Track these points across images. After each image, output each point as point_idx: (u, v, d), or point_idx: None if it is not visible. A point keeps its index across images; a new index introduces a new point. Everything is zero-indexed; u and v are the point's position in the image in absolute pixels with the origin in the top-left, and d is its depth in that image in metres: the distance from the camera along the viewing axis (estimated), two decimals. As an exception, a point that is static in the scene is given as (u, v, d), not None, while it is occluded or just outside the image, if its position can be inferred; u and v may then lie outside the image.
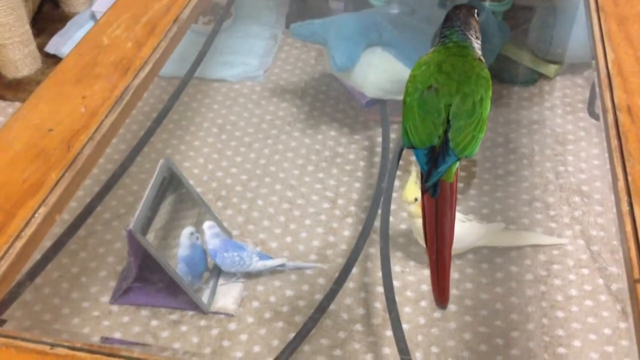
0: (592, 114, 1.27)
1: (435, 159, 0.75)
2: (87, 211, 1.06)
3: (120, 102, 0.79)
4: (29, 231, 0.65)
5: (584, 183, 1.39)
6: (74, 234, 1.05)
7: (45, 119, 0.77)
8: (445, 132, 0.76)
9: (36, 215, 0.66)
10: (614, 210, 1.32)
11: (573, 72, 1.67)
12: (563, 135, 1.50)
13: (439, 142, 0.76)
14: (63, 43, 1.72)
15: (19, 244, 0.64)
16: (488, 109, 0.79)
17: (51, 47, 1.71)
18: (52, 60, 1.70)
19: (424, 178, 0.76)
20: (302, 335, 1.05)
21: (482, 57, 0.82)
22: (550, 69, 1.62)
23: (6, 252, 0.63)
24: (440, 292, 0.76)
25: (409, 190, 1.15)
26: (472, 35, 0.81)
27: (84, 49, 0.88)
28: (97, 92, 0.80)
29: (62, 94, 0.80)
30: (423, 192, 0.77)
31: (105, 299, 1.19)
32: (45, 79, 1.67)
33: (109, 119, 0.77)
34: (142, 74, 0.84)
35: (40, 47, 1.71)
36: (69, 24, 1.78)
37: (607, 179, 1.39)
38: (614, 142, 0.73)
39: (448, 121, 0.76)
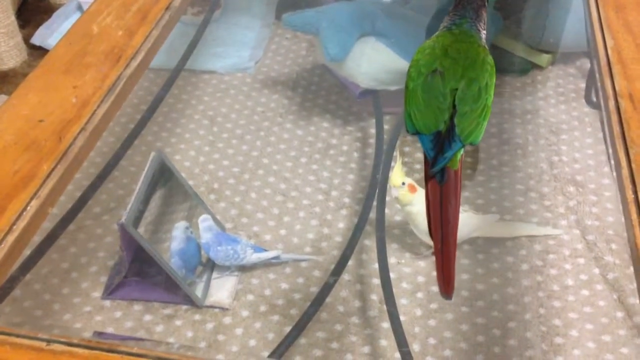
0: (590, 102, 1.26)
1: (441, 145, 0.74)
2: (79, 205, 1.04)
3: (113, 91, 0.77)
4: (20, 225, 0.63)
5: (578, 173, 1.38)
6: (65, 228, 1.03)
7: (35, 109, 0.74)
8: (451, 117, 0.75)
9: (28, 208, 0.64)
10: (609, 199, 1.31)
11: (565, 62, 1.66)
12: (556, 125, 1.50)
13: (445, 127, 0.75)
14: (49, 35, 1.69)
15: (10, 238, 0.62)
16: (492, 96, 0.78)
17: (37, 39, 1.68)
18: (38, 52, 1.67)
19: (430, 164, 0.75)
20: (299, 328, 1.03)
21: (486, 46, 0.82)
22: (543, 59, 1.62)
23: (-3, 246, 0.61)
24: (446, 282, 0.75)
25: (396, 175, 1.14)
26: (481, 27, 0.81)
27: (74, 37, 0.85)
28: (88, 82, 0.78)
29: (52, 84, 0.78)
30: (428, 179, 0.75)
31: (97, 294, 1.17)
32: (31, 71, 1.65)
33: (101, 109, 0.75)
34: (134, 63, 0.82)
35: (26, 39, 1.68)
36: (54, 15, 1.75)
37: (601, 168, 1.39)
38: (616, 129, 0.72)
39: (453, 106, 0.75)
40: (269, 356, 1.02)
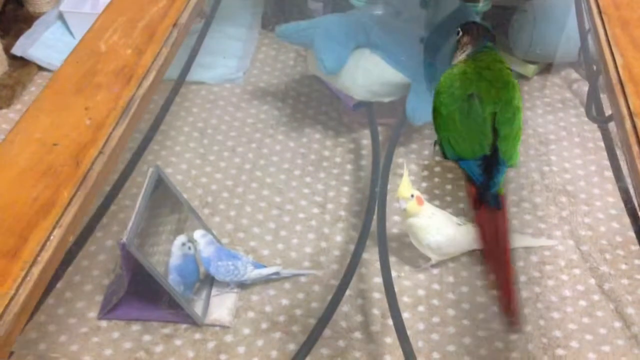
0: (591, 117, 1.27)
1: (490, 169, 0.74)
2: (88, 229, 1.01)
3: (127, 113, 0.75)
4: (45, 255, 0.61)
5: (568, 183, 1.40)
6: (76, 255, 1.00)
7: (48, 132, 0.72)
8: (493, 141, 0.75)
9: (51, 237, 0.62)
10: (600, 209, 1.33)
11: (550, 72, 1.69)
12: (545, 136, 1.51)
13: (490, 150, 0.75)
14: (30, 45, 1.65)
15: (36, 270, 0.60)
16: (522, 117, 0.79)
17: (18, 49, 1.63)
18: (19, 62, 1.62)
19: (481, 190, 0.74)
20: (308, 347, 1.02)
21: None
22: (529, 69, 1.64)
23: (24, 279, 0.59)
24: (512, 312, 0.74)
25: (404, 187, 1.14)
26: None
27: (81, 56, 0.83)
28: (101, 103, 0.76)
29: (63, 105, 0.76)
30: (478, 206, 0.75)
31: (93, 314, 1.14)
32: (12, 82, 1.60)
33: (117, 132, 0.73)
34: (146, 83, 0.80)
35: (6, 49, 1.63)
36: (35, 24, 1.70)
37: (590, 178, 1.41)
38: (636, 150, 0.72)
39: (493, 129, 0.75)
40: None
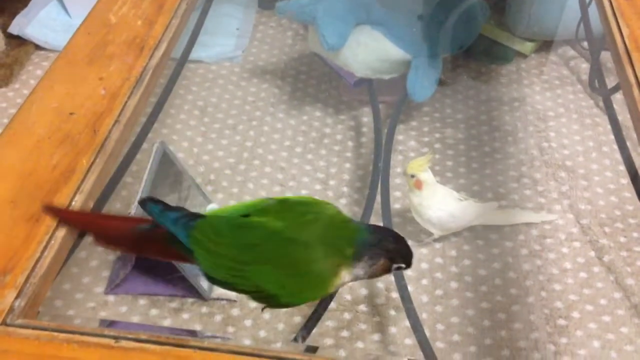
0: (594, 89, 1.28)
1: None
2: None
3: (141, 83, 0.75)
4: (68, 220, 0.61)
5: (567, 158, 1.42)
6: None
7: (63, 102, 0.72)
8: None
9: (73, 203, 0.63)
10: (599, 183, 1.35)
11: (547, 50, 1.70)
12: (543, 112, 1.53)
13: None
14: (26, 23, 1.64)
15: (60, 234, 0.60)
16: None
17: (14, 28, 1.62)
18: (16, 41, 1.61)
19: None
20: (315, 320, 1.03)
21: None
22: (527, 47, 1.65)
23: (48, 242, 0.59)
24: None
25: (413, 165, 1.15)
26: None
27: (92, 27, 0.83)
28: (115, 73, 0.76)
29: (77, 75, 0.76)
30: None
31: (100, 289, 1.15)
32: (10, 61, 1.59)
33: (132, 101, 0.73)
34: (158, 54, 0.80)
35: (2, 28, 1.62)
36: (31, 3, 1.69)
37: (589, 153, 1.43)
38: (645, 117, 0.74)
39: None
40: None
